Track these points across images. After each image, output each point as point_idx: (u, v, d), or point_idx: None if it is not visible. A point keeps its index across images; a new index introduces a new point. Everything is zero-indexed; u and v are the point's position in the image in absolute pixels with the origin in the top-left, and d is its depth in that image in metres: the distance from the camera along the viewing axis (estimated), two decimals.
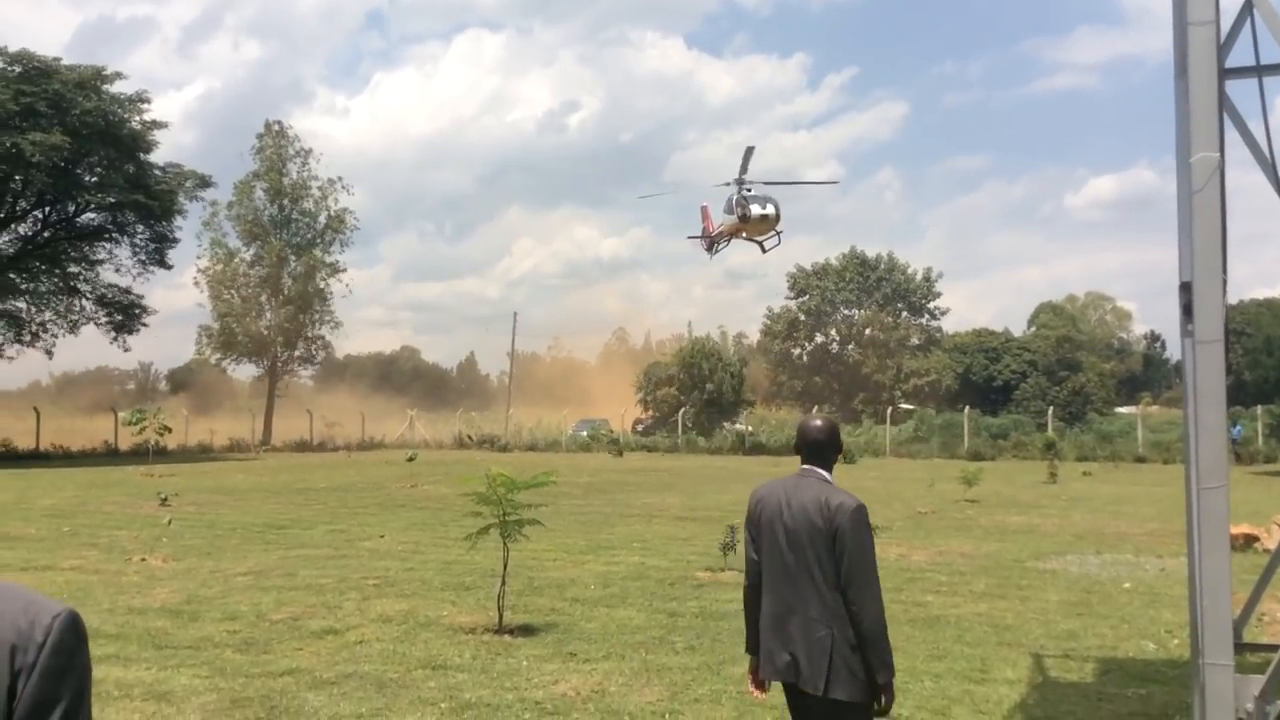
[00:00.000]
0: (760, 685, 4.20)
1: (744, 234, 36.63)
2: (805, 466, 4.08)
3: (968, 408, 48.50)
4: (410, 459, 28.86)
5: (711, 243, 38.80)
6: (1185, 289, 3.79)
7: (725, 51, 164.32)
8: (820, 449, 4.12)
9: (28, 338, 42.85)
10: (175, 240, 44.64)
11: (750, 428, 49.83)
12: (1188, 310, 3.76)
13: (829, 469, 4.10)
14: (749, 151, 36.60)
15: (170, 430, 30.34)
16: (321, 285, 54.57)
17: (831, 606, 3.78)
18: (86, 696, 1.49)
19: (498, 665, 7.42)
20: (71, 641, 1.46)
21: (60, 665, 1.43)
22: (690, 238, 39.51)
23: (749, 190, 35.85)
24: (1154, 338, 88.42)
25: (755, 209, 35.36)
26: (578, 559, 12.56)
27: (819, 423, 4.27)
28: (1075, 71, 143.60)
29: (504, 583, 8.71)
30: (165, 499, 18.86)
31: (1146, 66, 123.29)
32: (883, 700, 3.84)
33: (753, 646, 4.16)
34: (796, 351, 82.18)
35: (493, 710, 6.31)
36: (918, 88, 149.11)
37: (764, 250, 42.55)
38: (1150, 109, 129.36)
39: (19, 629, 1.42)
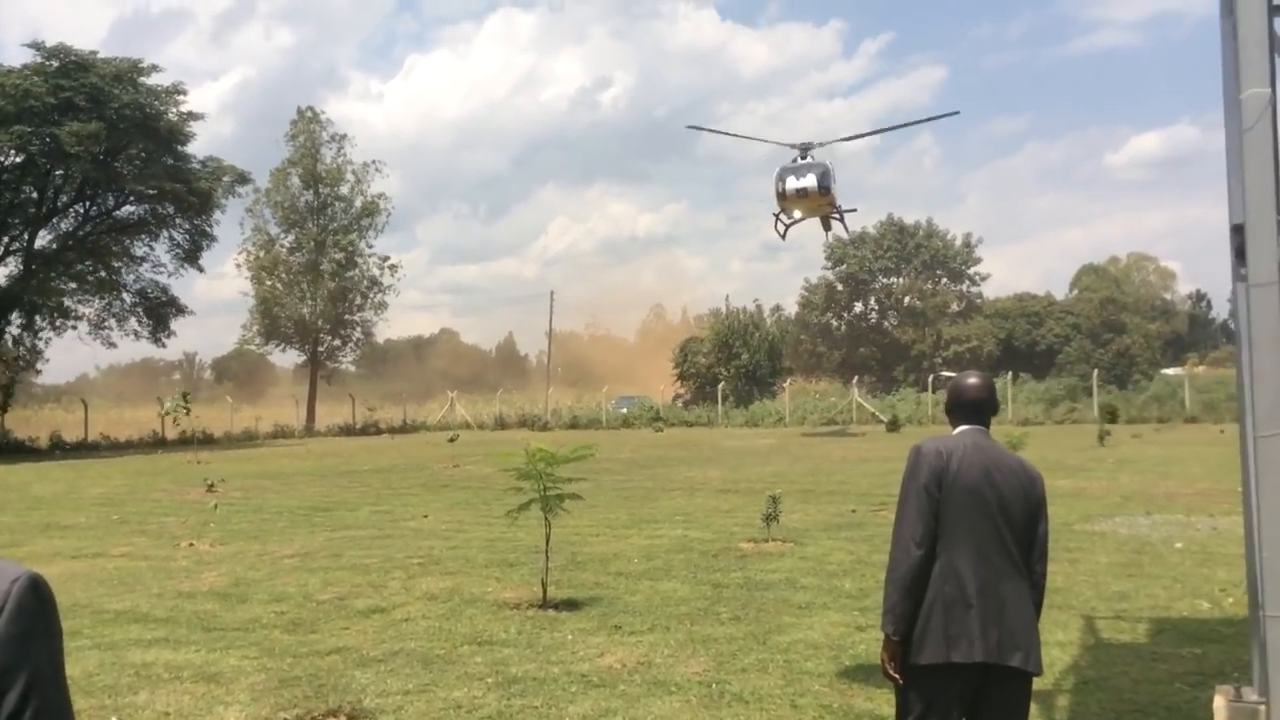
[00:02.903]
0: (901, 672, 3.61)
1: (793, 212, 32.48)
2: (975, 428, 3.75)
3: (1010, 373, 47.99)
4: (452, 439, 29.00)
5: (776, 221, 34.36)
6: (1237, 231, 3.65)
7: (759, 21, 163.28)
8: (983, 408, 3.82)
9: (71, 331, 43.33)
10: (213, 238, 44.90)
11: (788, 403, 49.51)
12: (1240, 253, 3.63)
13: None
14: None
15: (189, 409, 30.41)
16: (364, 271, 54.77)
17: (1029, 577, 3.64)
18: (56, 663, 1.42)
19: (543, 639, 7.41)
20: (32, 605, 1.39)
21: (21, 630, 1.36)
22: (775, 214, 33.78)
23: (801, 158, 31.48)
24: (1199, 297, 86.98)
25: (791, 181, 31.17)
26: (620, 533, 12.55)
27: (979, 379, 3.95)
28: (1116, 29, 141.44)
29: (547, 558, 8.70)
30: (212, 485, 19.08)
31: (1188, 22, 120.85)
32: None
33: (908, 625, 3.56)
34: (835, 323, 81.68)
35: (539, 684, 6.30)
36: (956, 51, 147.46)
37: (826, 229, 39.52)
38: (1193, 65, 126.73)
39: None
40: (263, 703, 6.01)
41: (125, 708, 5.97)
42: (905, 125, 37.10)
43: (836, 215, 35.20)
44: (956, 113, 33.24)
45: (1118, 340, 72.24)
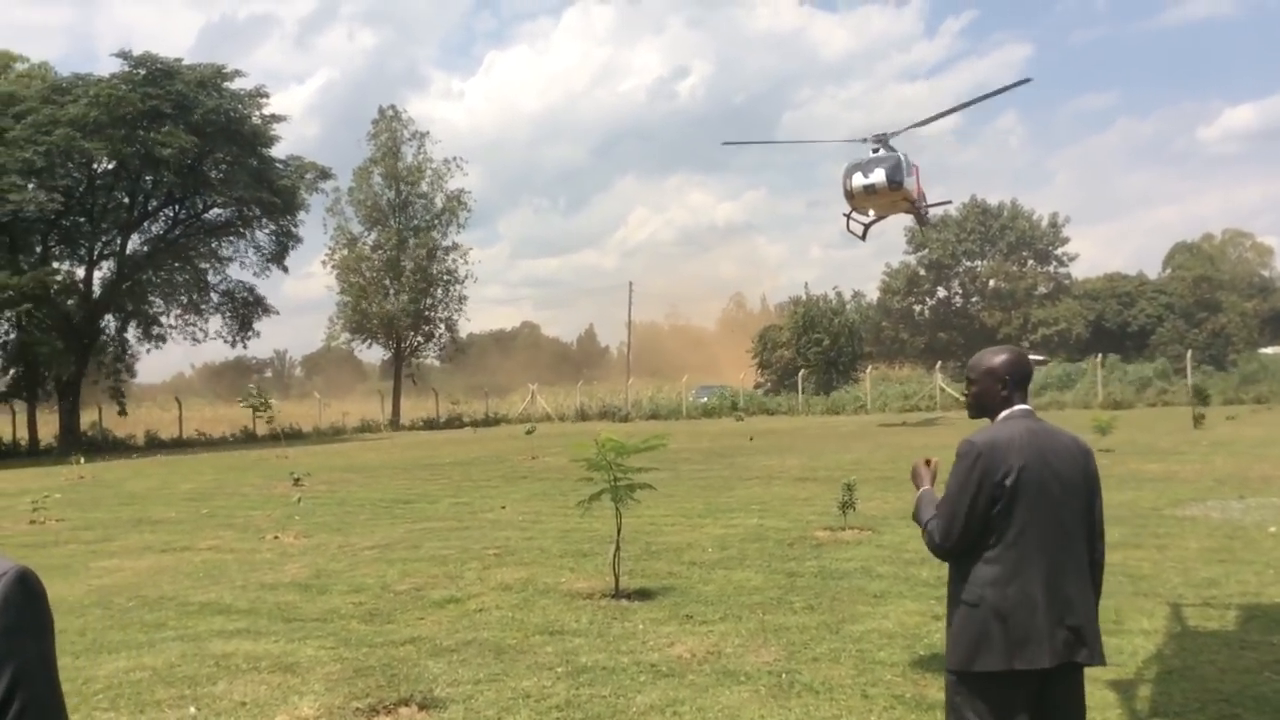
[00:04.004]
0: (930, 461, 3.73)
1: (866, 210, 30.09)
2: (1023, 407, 3.51)
3: (1101, 355, 46.75)
4: (529, 432, 29.19)
5: (848, 222, 31.33)
6: None
7: (838, 3, 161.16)
8: (1027, 381, 3.58)
9: (165, 334, 44.67)
10: (299, 238, 45.93)
11: (868, 389, 48.84)
12: None
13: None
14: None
15: (269, 406, 31.31)
16: (448, 265, 55.33)
17: (1090, 562, 3.45)
18: (46, 657, 1.45)
19: (614, 629, 7.41)
20: (19, 600, 1.42)
21: (7, 625, 1.39)
22: (845, 215, 31.43)
23: (875, 150, 28.60)
24: None
25: (858, 178, 28.37)
26: (695, 523, 12.51)
27: (1011, 350, 3.69)
28: None
29: (618, 547, 8.69)
30: (298, 479, 19.51)
31: None
32: None
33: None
34: (918, 308, 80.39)
35: (609, 673, 6.30)
36: (1041, 27, 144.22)
37: (920, 224, 36.90)
38: None
39: None
40: (336, 692, 6.10)
41: (204, 697, 6.11)
42: (978, 100, 32.63)
43: (919, 210, 32.62)
44: (1029, 80, 30.73)
45: (1213, 320, 69.86)
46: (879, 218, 31.48)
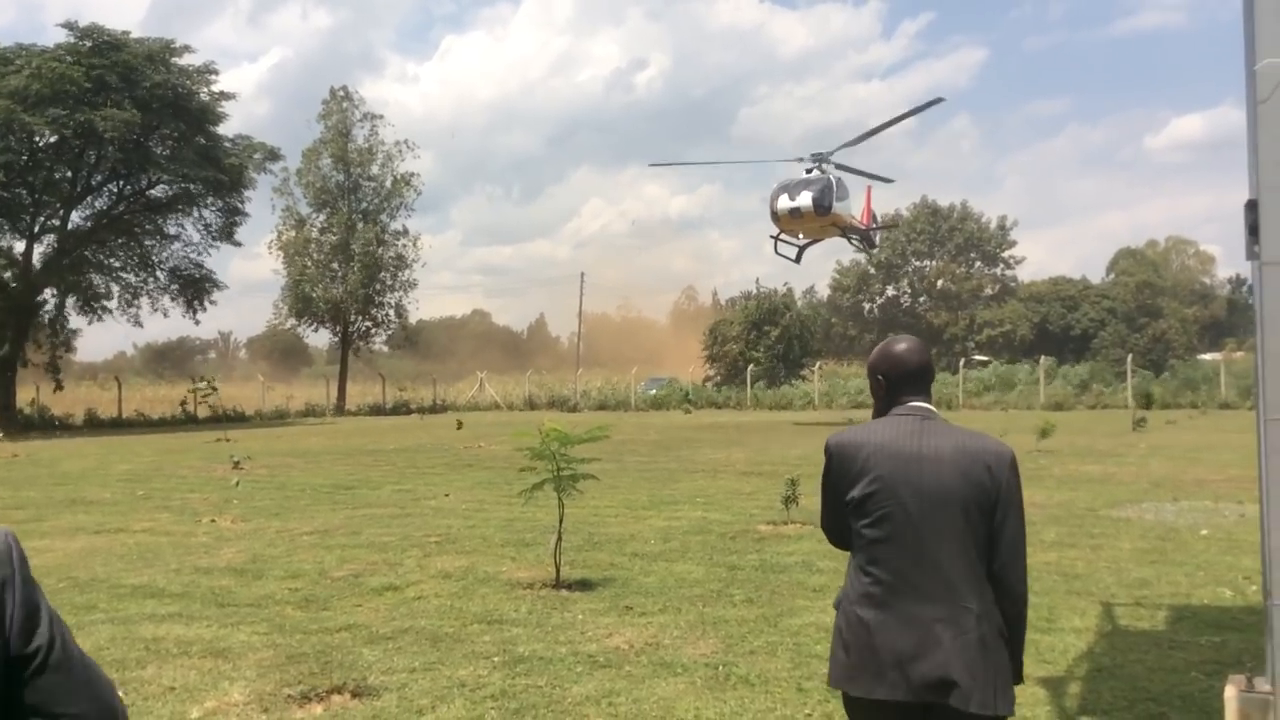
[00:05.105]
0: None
1: (796, 233, 28.56)
2: (913, 404, 3.02)
3: (1043, 357, 47.48)
4: (459, 426, 29.27)
5: (780, 244, 29.86)
6: (1251, 208, 3.51)
7: (798, 1, 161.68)
8: (923, 376, 3.08)
9: (107, 311, 43.77)
10: (245, 214, 45.25)
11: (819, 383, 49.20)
12: (1254, 230, 3.49)
13: (931, 403, 3.09)
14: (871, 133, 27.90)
15: (215, 389, 31.13)
16: (398, 250, 54.75)
17: (986, 592, 2.87)
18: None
19: (553, 619, 7.38)
20: (21, 551, 1.59)
21: (28, 571, 1.58)
22: (772, 237, 29.84)
23: (812, 169, 27.33)
24: (1239, 282, 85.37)
25: (783, 200, 27.06)
26: (639, 514, 12.51)
27: (910, 343, 3.14)
28: (1159, 9, 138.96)
29: (559, 537, 8.65)
30: (238, 462, 19.22)
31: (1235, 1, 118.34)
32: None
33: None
34: (867, 306, 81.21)
35: (546, 663, 6.27)
36: (997, 32, 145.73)
37: (866, 248, 33.43)
38: (1239, 44, 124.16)
39: None
40: (268, 678, 6.01)
41: (132, 681, 5.99)
42: (898, 120, 30.67)
43: (855, 237, 30.98)
44: (941, 100, 30.15)
45: (1154, 325, 71.31)
46: (812, 240, 29.87)
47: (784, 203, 26.85)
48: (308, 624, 7.32)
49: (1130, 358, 46.98)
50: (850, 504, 2.96)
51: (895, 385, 3.06)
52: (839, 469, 3.03)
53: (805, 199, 26.56)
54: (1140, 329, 70.89)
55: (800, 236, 29.07)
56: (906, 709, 2.85)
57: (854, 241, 31.05)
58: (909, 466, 2.89)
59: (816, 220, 27.13)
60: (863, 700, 2.91)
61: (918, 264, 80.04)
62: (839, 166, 28.42)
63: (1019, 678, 2.97)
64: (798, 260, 31.09)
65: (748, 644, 6.66)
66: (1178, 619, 7.17)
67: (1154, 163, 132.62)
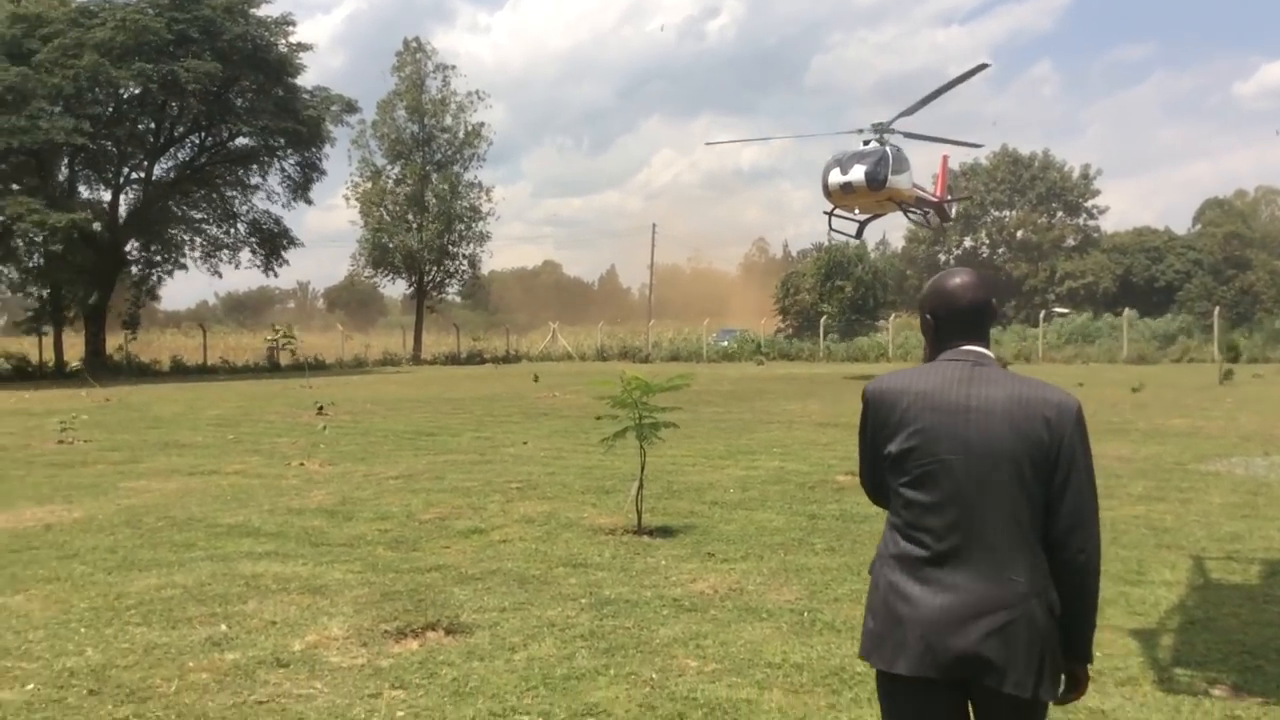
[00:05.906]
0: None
1: (851, 208, 27.08)
2: (966, 348, 2.68)
3: (1127, 310, 46.38)
4: (535, 379, 29.59)
5: (835, 219, 28.59)
6: None
7: None
8: (978, 318, 2.72)
9: (191, 261, 44.77)
10: (323, 171, 45.70)
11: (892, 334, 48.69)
12: None
13: (987, 348, 2.72)
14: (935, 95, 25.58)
15: (293, 338, 32.06)
16: (471, 201, 55.10)
17: (1039, 564, 2.55)
18: None
19: (636, 564, 7.48)
20: None
21: None
22: (826, 213, 28.34)
23: (870, 141, 25.74)
24: None
25: (835, 175, 25.44)
26: (717, 464, 12.56)
27: (966, 278, 2.76)
28: None
29: (641, 485, 8.74)
30: (322, 408, 19.68)
31: None
32: (1074, 691, 2.70)
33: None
34: (944, 258, 79.84)
35: (632, 606, 6.37)
36: None
37: (934, 222, 31.66)
38: None
39: None
40: (365, 615, 6.20)
41: (234, 615, 6.22)
42: (944, 90, 27.62)
43: (921, 210, 29.40)
44: (987, 65, 27.70)
45: (1241, 277, 69.15)
46: (872, 216, 28.26)
47: (835, 177, 25.30)
48: (399, 564, 7.52)
49: (1217, 310, 45.68)
50: (888, 459, 2.68)
51: (945, 326, 2.73)
52: (877, 419, 2.72)
53: (858, 173, 24.97)
54: (1227, 281, 68.82)
55: (856, 211, 27.60)
56: (932, 687, 2.57)
57: (912, 215, 29.02)
58: (954, 419, 2.57)
59: (871, 195, 25.58)
60: (885, 674, 2.65)
61: (997, 214, 78.38)
62: (907, 135, 26.80)
63: (1086, 657, 2.66)
64: (858, 236, 29.72)
65: (831, 591, 6.69)
66: (1271, 574, 7.04)
67: (1243, 110, 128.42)
